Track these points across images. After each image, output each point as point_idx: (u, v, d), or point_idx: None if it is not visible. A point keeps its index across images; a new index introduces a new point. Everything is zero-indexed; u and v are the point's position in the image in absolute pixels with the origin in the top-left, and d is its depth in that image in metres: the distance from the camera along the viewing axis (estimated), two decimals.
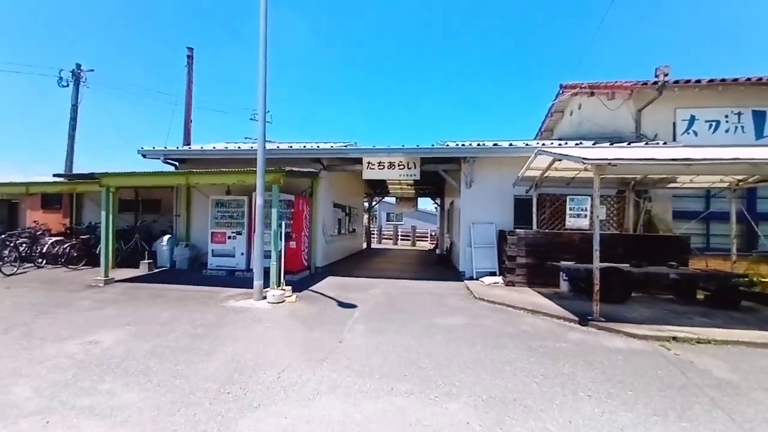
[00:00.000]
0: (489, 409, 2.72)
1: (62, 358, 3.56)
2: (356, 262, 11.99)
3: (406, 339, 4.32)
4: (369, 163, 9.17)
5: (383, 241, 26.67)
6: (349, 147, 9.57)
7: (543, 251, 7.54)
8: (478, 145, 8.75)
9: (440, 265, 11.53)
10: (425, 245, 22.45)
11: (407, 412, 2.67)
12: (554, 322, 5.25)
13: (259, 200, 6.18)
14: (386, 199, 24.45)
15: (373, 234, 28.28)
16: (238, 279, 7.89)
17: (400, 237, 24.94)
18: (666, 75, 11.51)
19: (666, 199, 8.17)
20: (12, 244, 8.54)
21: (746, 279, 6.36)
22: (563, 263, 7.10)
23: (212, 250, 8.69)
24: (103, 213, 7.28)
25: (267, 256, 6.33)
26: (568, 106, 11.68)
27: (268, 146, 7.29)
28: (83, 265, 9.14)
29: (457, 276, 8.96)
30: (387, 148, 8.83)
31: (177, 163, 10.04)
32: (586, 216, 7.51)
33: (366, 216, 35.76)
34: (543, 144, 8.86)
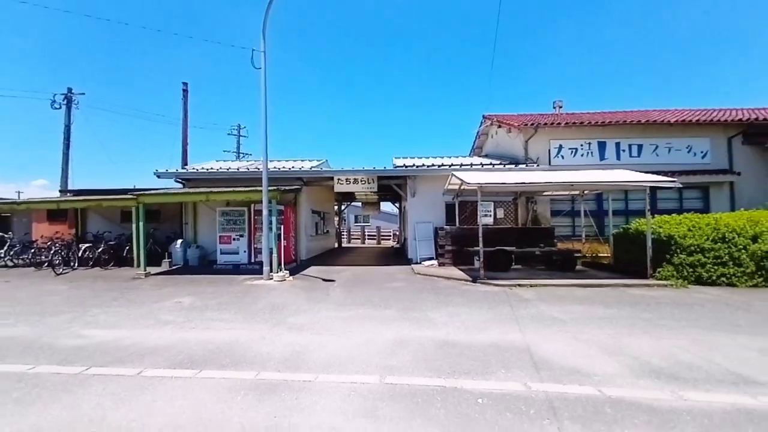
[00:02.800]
0: (404, 311, 5.87)
1: (168, 307, 6.28)
2: (331, 257, 14.94)
3: (366, 293, 7.42)
4: (339, 179, 12.18)
5: (352, 240, 29.69)
6: (323, 169, 12.57)
7: (463, 241, 10.92)
8: (416, 167, 12.05)
9: (396, 256, 14.77)
10: (389, 243, 25.68)
11: (364, 314, 5.76)
12: (457, 282, 8.57)
13: (264, 211, 9.03)
14: (354, 203, 27.49)
15: (343, 235, 31.24)
16: (243, 270, 10.60)
17: (367, 237, 28.09)
18: (560, 107, 15.58)
19: (546, 202, 11.90)
20: (58, 251, 10.67)
21: (580, 253, 10.11)
22: (475, 248, 10.53)
23: (220, 249, 11.32)
24: (138, 224, 9.75)
25: (271, 251, 9.18)
26: (489, 131, 15.36)
27: (259, 167, 10.09)
28: (111, 266, 11.39)
29: (407, 262, 12.19)
30: (352, 170, 11.91)
31: (184, 182, 12.50)
32: (490, 216, 11.08)
33: (340, 219, 38.65)
34: (459, 165, 12.33)
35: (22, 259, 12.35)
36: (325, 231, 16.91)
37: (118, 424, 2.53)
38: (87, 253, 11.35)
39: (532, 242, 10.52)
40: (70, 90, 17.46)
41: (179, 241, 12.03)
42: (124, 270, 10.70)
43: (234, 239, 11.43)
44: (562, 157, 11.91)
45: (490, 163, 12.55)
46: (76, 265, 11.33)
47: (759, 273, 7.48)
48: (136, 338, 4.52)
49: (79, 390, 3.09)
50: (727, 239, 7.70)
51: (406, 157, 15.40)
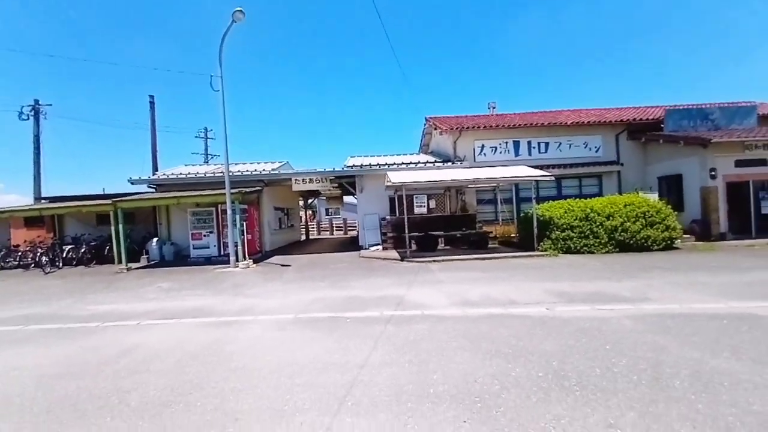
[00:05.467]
0: (334, 283, 7.87)
1: (151, 290, 8.01)
2: (295, 247, 16.77)
3: (312, 273, 9.37)
4: (296, 180, 13.96)
5: (322, 232, 31.52)
6: (282, 171, 14.24)
7: (402, 228, 13.00)
8: (362, 167, 13.99)
9: (352, 244, 16.76)
10: (355, 234, 27.66)
11: (303, 286, 7.73)
12: (389, 261, 10.66)
13: (228, 211, 10.77)
14: (322, 197, 29.22)
15: (313, 227, 32.93)
16: (214, 261, 12.29)
17: (335, 228, 29.98)
18: (494, 108, 17.85)
19: (472, 192, 14.16)
20: (44, 252, 11.99)
21: (492, 234, 12.46)
22: (412, 234, 12.67)
23: (193, 244, 12.94)
24: (118, 226, 11.23)
25: (236, 244, 10.95)
26: (431, 131, 17.45)
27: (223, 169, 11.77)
28: (94, 264, 12.78)
29: (359, 249, 14.21)
30: (306, 171, 13.72)
31: (155, 187, 13.93)
32: (424, 206, 13.25)
33: (308, 212, 40.23)
34: (401, 164, 14.38)
35: (7, 262, 13.49)
36: (289, 225, 18.68)
37: (130, 342, 4.41)
38: (71, 253, 12.69)
39: (457, 227, 12.76)
40: (36, 101, 18.16)
41: (155, 240, 13.51)
42: (106, 267, 12.15)
43: (205, 235, 13.06)
44: (485, 154, 14.17)
45: (426, 161, 14.66)
46: (61, 264, 12.65)
47: (610, 243, 9.97)
48: (130, 308, 6.31)
49: (100, 332, 4.92)
50: (589, 218, 10.14)
51: (358, 156, 17.36)
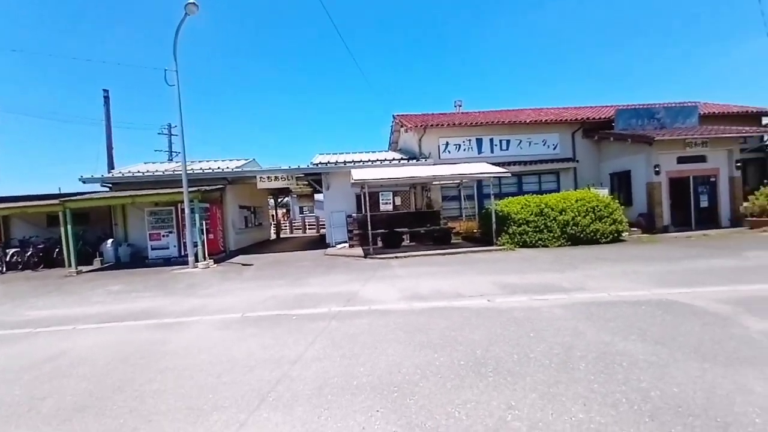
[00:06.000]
0: (292, 281, 7.83)
1: (99, 293, 7.70)
2: (262, 247, 16.50)
3: (273, 272, 9.28)
4: (261, 178, 13.71)
5: (295, 231, 31.15)
6: (246, 169, 13.94)
7: (367, 224, 13.10)
8: (328, 164, 13.93)
9: (321, 242, 16.69)
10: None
11: (260, 284, 7.65)
12: (353, 258, 10.71)
13: (187, 210, 10.46)
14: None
15: (285, 225, 32.47)
16: (174, 262, 11.91)
17: (307, 227, 29.68)
18: (460, 106, 18.15)
19: (437, 189, 14.42)
20: None
21: (455, 229, 12.76)
22: (377, 231, 12.76)
23: (151, 245, 12.47)
24: (66, 227, 10.66)
25: (195, 244, 10.65)
26: (399, 128, 17.58)
27: (187, 167, 11.39)
28: (42, 268, 12.08)
29: (326, 247, 14.17)
30: (271, 169, 13.51)
31: (111, 185, 13.30)
32: (390, 203, 13.35)
33: (282, 211, 39.63)
34: (368, 161, 14.44)
35: None
36: (257, 224, 18.35)
37: (61, 347, 4.24)
38: (15, 257, 11.94)
39: (422, 223, 12.97)
40: None
41: (110, 241, 12.93)
42: (55, 271, 11.52)
43: (164, 236, 12.62)
44: (449, 152, 14.45)
45: (393, 159, 14.78)
46: (5, 269, 11.89)
47: (563, 236, 10.45)
48: (71, 313, 6.04)
49: (32, 338, 4.70)
50: (544, 213, 10.58)
51: (326, 154, 17.25)
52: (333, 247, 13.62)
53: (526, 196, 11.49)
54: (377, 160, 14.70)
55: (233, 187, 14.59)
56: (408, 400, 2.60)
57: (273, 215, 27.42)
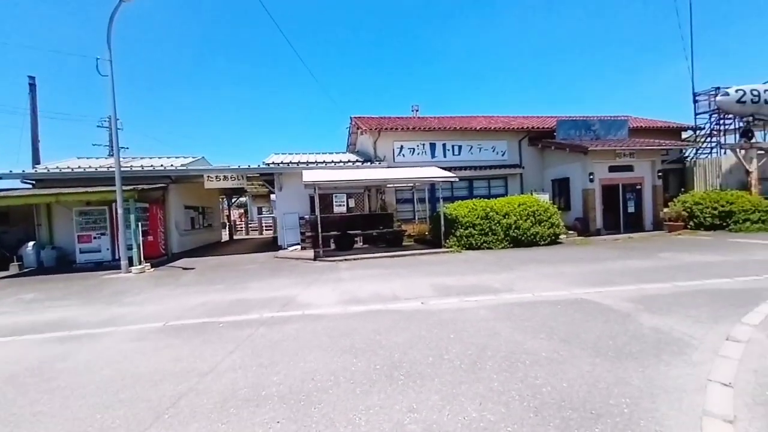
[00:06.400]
0: (231, 285, 7.51)
1: (8, 303, 6.91)
2: (211, 249, 15.73)
3: (214, 276, 8.86)
4: (208, 177, 13.07)
5: (252, 232, 30.08)
6: (191, 168, 13.24)
7: (322, 227, 12.93)
8: (283, 164, 13.59)
9: (274, 244, 16.24)
10: None
11: (195, 290, 7.26)
12: (303, 260, 10.51)
13: (120, 210, 9.71)
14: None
15: (241, 227, 31.26)
16: (106, 267, 10.99)
17: (265, 228, 28.75)
18: (417, 111, 18.44)
19: (392, 192, 14.56)
20: None
21: (407, 232, 12.97)
22: (330, 233, 12.63)
23: (80, 248, 11.43)
24: None
25: (130, 247, 9.92)
26: (356, 130, 17.57)
27: (126, 164, 10.58)
28: None
29: (277, 249, 13.80)
30: (219, 168, 12.94)
31: (34, 182, 12.03)
32: (343, 205, 13.26)
33: (239, 211, 38.12)
34: (322, 162, 14.28)
35: None
36: (206, 225, 17.48)
37: None
38: None
39: (375, 226, 13.02)
40: None
41: (31, 243, 11.69)
42: None
43: (95, 238, 11.63)
44: (404, 155, 14.66)
45: (348, 160, 14.73)
46: None
47: (506, 239, 10.96)
48: None
49: None
50: (489, 217, 11.02)
51: (281, 154, 16.85)
52: (285, 249, 13.29)
53: (474, 200, 11.90)
54: (332, 161, 14.58)
55: (178, 187, 13.80)
56: (313, 409, 2.57)
57: (228, 216, 26.31)
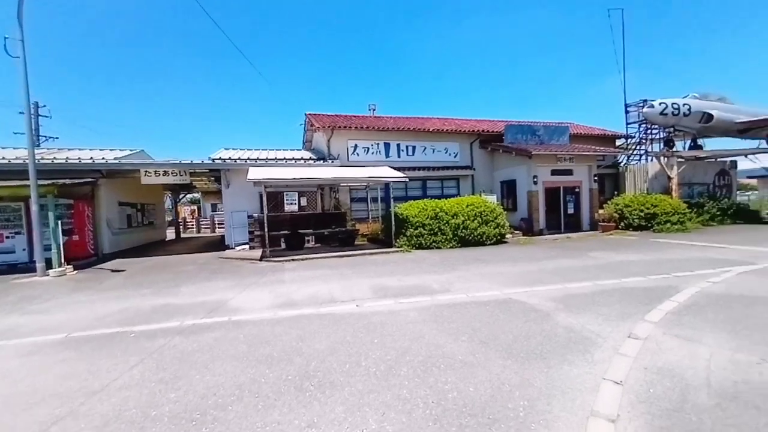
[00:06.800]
0: (160, 289, 6.98)
1: None
2: (151, 249, 14.63)
3: (146, 279, 8.21)
4: (146, 172, 12.12)
5: (204, 230, 28.52)
6: (126, 161, 12.19)
7: (271, 226, 12.44)
8: (231, 160, 12.93)
9: (222, 243, 15.47)
10: None
11: (116, 295, 6.66)
12: (247, 261, 10.06)
13: (34, 207, 8.70)
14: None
15: (192, 225, 29.56)
16: (21, 269, 9.82)
17: (217, 226, 27.36)
18: (374, 110, 18.33)
19: (346, 191, 14.40)
20: None
21: (360, 231, 12.89)
22: (281, 232, 12.21)
23: None
24: None
25: (49, 248, 8.92)
26: (312, 127, 17.16)
27: (48, 156, 9.49)
28: None
29: (224, 248, 13.13)
30: (158, 162, 12.05)
31: None
32: (295, 204, 12.88)
33: (191, 208, 36.14)
34: (272, 159, 13.80)
35: None
36: (147, 222, 16.27)
37: None
38: None
39: (328, 225, 12.80)
40: None
41: None
42: None
43: (8, 237, 10.36)
44: (358, 154, 14.53)
45: (301, 158, 14.35)
46: None
47: (455, 239, 11.20)
48: None
49: None
50: (438, 217, 11.21)
51: (232, 149, 16.10)
52: (232, 249, 12.68)
53: (425, 200, 12.05)
54: (284, 158, 14.12)
55: (111, 182, 12.67)
56: (203, 429, 2.38)
57: (177, 213, 24.71)
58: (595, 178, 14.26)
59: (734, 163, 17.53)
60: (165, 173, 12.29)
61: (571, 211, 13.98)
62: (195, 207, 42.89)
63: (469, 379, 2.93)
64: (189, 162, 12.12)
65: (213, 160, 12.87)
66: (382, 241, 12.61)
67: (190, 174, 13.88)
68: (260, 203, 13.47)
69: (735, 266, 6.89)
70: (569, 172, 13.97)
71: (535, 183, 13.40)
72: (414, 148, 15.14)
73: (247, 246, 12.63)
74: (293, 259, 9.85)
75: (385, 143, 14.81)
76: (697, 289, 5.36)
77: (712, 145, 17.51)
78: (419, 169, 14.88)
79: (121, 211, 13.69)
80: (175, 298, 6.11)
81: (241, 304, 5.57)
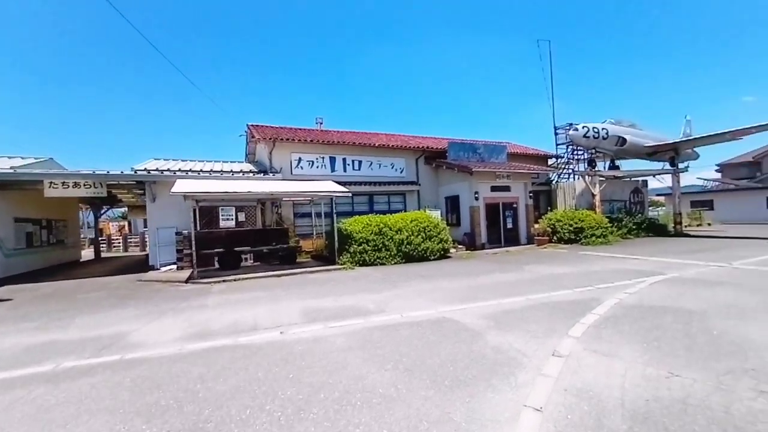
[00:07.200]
0: (50, 322, 5.87)
1: None
2: (57, 272, 12.65)
3: (39, 309, 6.91)
4: (52, 183, 10.55)
5: (132, 249, 25.74)
6: (21, 171, 10.52)
7: (203, 243, 11.39)
8: (148, 171, 11.71)
9: (146, 264, 13.92)
10: None
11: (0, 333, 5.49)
12: (171, 284, 9.01)
13: None
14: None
15: (117, 243, 26.67)
16: None
17: (146, 243, 24.82)
18: (321, 123, 17.94)
19: (290, 206, 13.77)
20: None
21: (302, 248, 12.32)
22: (215, 250, 11.21)
23: None
24: None
25: None
26: (254, 139, 16.36)
27: None
28: None
29: (148, 269, 11.75)
30: (66, 173, 10.59)
31: None
32: (231, 219, 11.97)
33: (120, 224, 32.62)
34: (205, 171, 12.84)
35: None
36: (54, 241, 14.16)
37: None
38: None
39: (268, 241, 12.03)
40: None
41: None
42: None
43: None
44: (302, 167, 14.05)
45: (241, 170, 13.52)
46: None
47: (399, 254, 11.07)
48: None
49: None
50: (383, 232, 11.04)
51: (162, 159, 14.77)
52: (157, 270, 11.39)
53: (369, 215, 11.86)
54: (220, 171, 13.21)
55: (5, 194, 10.86)
56: None
57: (99, 230, 21.98)
58: (531, 194, 15.13)
59: (645, 182, 19.74)
60: (76, 185, 10.82)
61: (510, 225, 14.61)
62: (125, 223, 38.85)
63: (385, 418, 2.63)
64: (105, 173, 10.78)
65: (135, 170, 11.59)
66: (326, 257, 12.13)
67: (112, 186, 12.49)
68: (193, 219, 12.40)
69: (648, 276, 7.47)
70: (507, 189, 14.67)
71: (477, 199, 13.85)
72: (360, 162, 15.01)
73: (174, 266, 11.42)
74: (224, 281, 9.01)
75: (330, 157, 14.50)
76: (616, 301, 5.64)
77: (627, 165, 19.60)
78: (365, 183, 14.73)
79: (18, 228, 11.73)
80: (63, 333, 5.14)
81: (143, 337, 4.80)
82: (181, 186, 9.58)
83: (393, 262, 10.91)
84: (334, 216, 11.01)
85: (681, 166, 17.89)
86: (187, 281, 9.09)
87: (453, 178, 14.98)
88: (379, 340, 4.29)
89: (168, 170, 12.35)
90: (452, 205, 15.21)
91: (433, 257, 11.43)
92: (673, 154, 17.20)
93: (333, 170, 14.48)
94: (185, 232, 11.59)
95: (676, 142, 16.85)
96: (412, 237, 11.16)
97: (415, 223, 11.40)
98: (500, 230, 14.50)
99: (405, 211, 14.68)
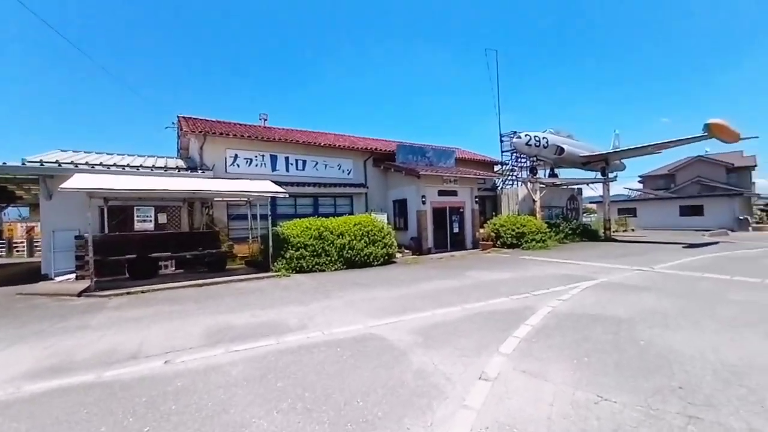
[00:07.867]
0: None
1: None
2: None
3: None
4: None
5: (37, 253, 22.30)
6: None
7: (111, 249, 9.83)
8: (42, 164, 9.95)
9: (39, 272, 11.87)
10: None
11: None
12: (59, 297, 7.51)
13: None
14: None
15: (21, 246, 23.14)
16: None
17: None
18: (265, 120, 16.73)
19: (223, 206, 12.51)
20: None
21: (231, 253, 11.20)
22: (126, 256, 9.71)
23: None
24: None
25: None
26: (184, 132, 14.80)
27: None
28: None
29: (39, 279, 9.90)
30: None
31: None
32: (149, 221, 10.51)
33: (29, 225, 28.48)
34: (121, 165, 11.27)
35: None
36: None
37: None
38: None
39: (194, 246, 10.72)
40: None
41: None
42: None
43: None
44: (238, 165, 12.87)
45: (165, 166, 12.01)
46: None
47: (340, 260, 10.40)
48: None
49: None
50: (323, 237, 10.29)
51: (71, 151, 12.75)
52: (51, 280, 9.64)
53: (309, 219, 11.04)
54: (139, 165, 11.61)
55: None
56: None
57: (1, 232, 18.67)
58: (477, 199, 15.24)
59: (580, 190, 21.00)
60: None
61: (456, 230, 14.57)
62: (34, 224, 33.85)
63: None
64: None
65: (24, 162, 9.73)
66: (261, 264, 11.08)
67: (5, 181, 10.44)
68: (101, 221, 10.73)
69: (580, 282, 7.54)
70: (454, 193, 14.64)
71: (424, 203, 13.61)
72: (305, 162, 14.12)
73: (73, 276, 9.73)
74: (128, 293, 7.72)
75: (272, 155, 13.45)
76: (549, 309, 5.46)
77: (564, 174, 20.71)
78: (310, 185, 13.89)
79: None
80: None
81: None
82: (80, 181, 8.12)
83: (333, 269, 10.21)
84: (269, 219, 10.05)
85: (611, 175, 19.23)
86: (80, 294, 7.65)
87: (401, 181, 14.64)
88: (285, 367, 3.59)
89: (71, 163, 10.57)
90: (400, 208, 14.86)
91: (376, 263, 10.90)
92: (604, 164, 18.41)
93: (274, 169, 13.45)
94: (87, 235, 9.94)
95: (606, 153, 18.06)
96: (355, 242, 10.55)
97: (358, 227, 10.81)
98: (447, 235, 14.39)
99: (352, 214, 14.07)
